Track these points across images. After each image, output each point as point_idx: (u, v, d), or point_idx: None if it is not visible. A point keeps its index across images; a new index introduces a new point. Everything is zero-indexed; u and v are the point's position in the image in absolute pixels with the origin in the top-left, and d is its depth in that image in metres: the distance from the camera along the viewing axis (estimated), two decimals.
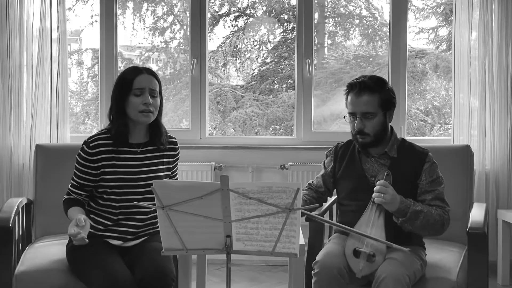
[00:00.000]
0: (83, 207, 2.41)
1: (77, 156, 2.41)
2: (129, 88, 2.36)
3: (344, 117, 2.45)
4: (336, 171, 2.55)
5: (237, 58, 4.67)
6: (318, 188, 2.61)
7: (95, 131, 4.23)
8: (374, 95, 2.37)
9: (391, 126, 2.49)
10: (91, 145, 2.37)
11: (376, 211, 2.29)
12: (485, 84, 3.72)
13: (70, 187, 2.45)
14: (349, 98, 2.42)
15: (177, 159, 2.55)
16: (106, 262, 2.23)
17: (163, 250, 1.98)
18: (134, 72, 2.39)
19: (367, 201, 2.32)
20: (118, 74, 4.00)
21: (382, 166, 2.40)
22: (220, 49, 4.61)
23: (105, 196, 2.39)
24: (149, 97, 2.36)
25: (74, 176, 2.43)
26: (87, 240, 2.19)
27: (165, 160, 2.48)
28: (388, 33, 4.09)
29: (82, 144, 2.40)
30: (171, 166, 2.52)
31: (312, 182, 2.65)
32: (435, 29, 4.50)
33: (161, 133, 2.46)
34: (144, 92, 2.36)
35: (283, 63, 4.70)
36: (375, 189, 2.27)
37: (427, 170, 2.39)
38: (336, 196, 2.65)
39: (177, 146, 2.54)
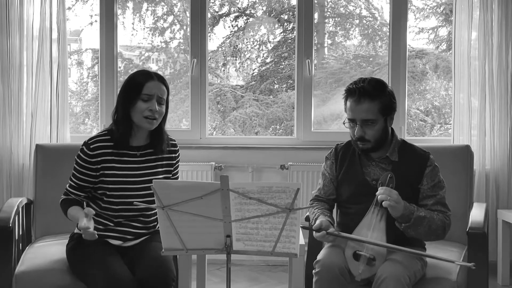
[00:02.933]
0: (82, 207, 2.41)
1: (76, 157, 2.40)
2: (138, 92, 2.34)
3: (344, 123, 2.41)
4: (337, 174, 2.51)
5: (237, 58, 4.67)
6: (329, 197, 2.53)
7: (95, 131, 4.24)
8: (374, 102, 2.31)
9: (392, 128, 2.45)
10: (91, 146, 2.36)
11: (378, 214, 2.27)
12: (485, 84, 3.72)
13: (68, 188, 2.43)
14: (348, 104, 2.36)
15: (178, 161, 2.55)
16: (106, 262, 2.23)
17: (163, 250, 1.98)
18: (145, 77, 2.37)
19: (369, 204, 2.30)
20: (118, 74, 4.07)
21: (384, 170, 2.37)
22: (220, 49, 4.61)
23: (104, 198, 2.39)
24: (156, 104, 2.35)
25: (73, 177, 2.41)
26: (97, 236, 2.19)
27: (164, 163, 2.48)
28: (388, 33, 4.09)
29: (82, 145, 2.39)
30: (172, 168, 2.51)
31: (319, 193, 2.55)
32: (435, 29, 4.50)
33: (162, 140, 2.45)
34: (152, 98, 2.35)
35: (283, 63, 4.70)
36: (378, 192, 2.24)
37: (429, 174, 2.36)
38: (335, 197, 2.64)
39: (177, 149, 2.54)
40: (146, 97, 2.34)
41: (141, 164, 2.42)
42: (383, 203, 2.20)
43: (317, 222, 2.28)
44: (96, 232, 2.19)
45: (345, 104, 2.39)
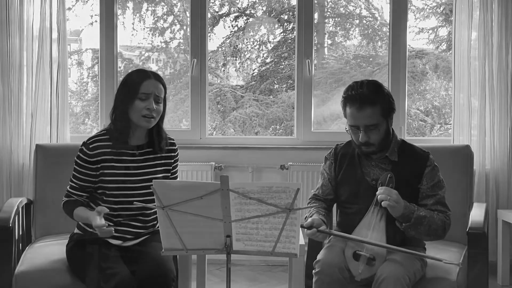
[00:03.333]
0: (86, 208, 2.41)
1: (76, 158, 2.40)
2: (135, 92, 2.35)
3: (346, 130, 2.39)
4: (336, 174, 2.50)
5: (237, 58, 4.67)
6: (326, 196, 2.53)
7: (95, 131, 4.24)
8: (376, 107, 2.29)
9: (392, 128, 2.44)
10: (90, 146, 2.37)
11: (378, 214, 2.27)
12: (485, 84, 3.72)
13: (69, 189, 2.43)
14: (348, 110, 2.33)
15: (176, 160, 2.55)
16: (106, 262, 2.23)
17: (163, 250, 1.98)
18: (141, 76, 2.38)
19: (368, 204, 2.30)
20: (118, 74, 4.06)
21: (383, 170, 2.37)
22: (220, 49, 4.61)
23: (104, 198, 2.39)
24: (153, 103, 2.36)
25: (74, 178, 2.41)
26: (114, 233, 2.19)
27: (163, 162, 2.48)
28: (388, 33, 4.09)
29: (81, 146, 2.40)
30: (170, 167, 2.51)
31: (318, 192, 2.55)
32: (435, 29, 4.50)
33: (161, 138, 2.45)
34: (149, 97, 2.35)
35: (283, 63, 4.70)
36: (378, 192, 2.25)
37: (428, 174, 2.36)
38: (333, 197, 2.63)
39: (175, 148, 2.54)
40: (143, 96, 2.35)
41: (140, 163, 2.42)
42: (382, 203, 2.21)
43: (309, 220, 2.29)
44: (112, 228, 2.19)
45: (344, 110, 2.37)
